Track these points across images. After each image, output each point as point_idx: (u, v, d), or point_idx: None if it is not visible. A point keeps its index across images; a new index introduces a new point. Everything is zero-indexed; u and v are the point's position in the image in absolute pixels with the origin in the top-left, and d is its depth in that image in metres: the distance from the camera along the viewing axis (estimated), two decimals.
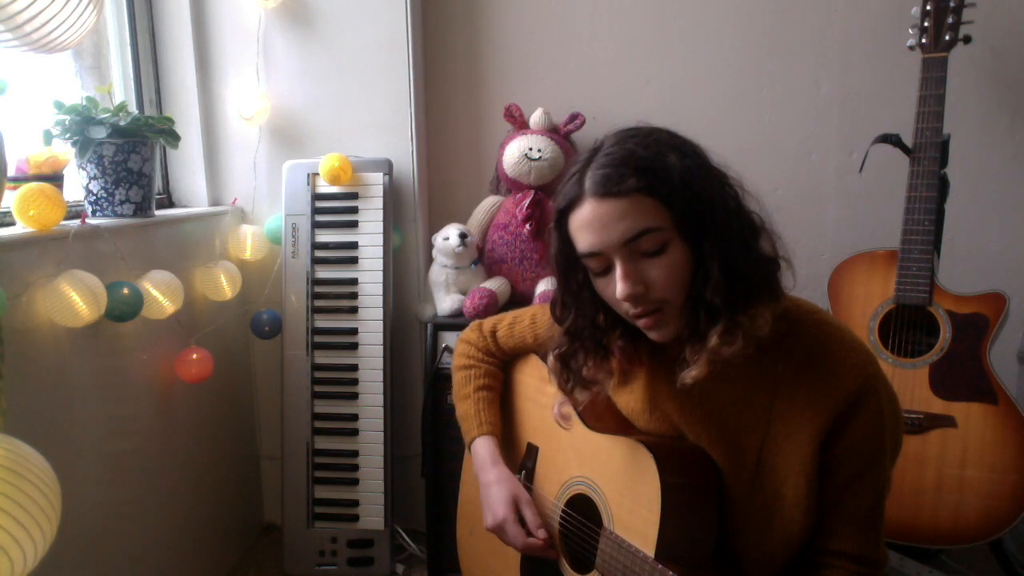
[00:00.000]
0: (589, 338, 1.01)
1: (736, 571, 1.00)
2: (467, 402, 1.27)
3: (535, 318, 1.26)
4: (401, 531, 2.01)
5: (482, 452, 1.22)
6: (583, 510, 1.09)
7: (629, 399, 1.10)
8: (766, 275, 0.90)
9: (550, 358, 1.07)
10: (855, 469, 0.92)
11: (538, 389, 1.25)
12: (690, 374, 0.90)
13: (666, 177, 0.86)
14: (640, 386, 1.07)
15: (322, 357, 1.89)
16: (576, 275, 0.97)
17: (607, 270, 0.91)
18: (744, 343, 0.87)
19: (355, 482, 1.88)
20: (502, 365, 1.32)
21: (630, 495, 0.98)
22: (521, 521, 1.12)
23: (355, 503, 1.88)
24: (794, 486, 0.93)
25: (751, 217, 0.91)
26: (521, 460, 1.25)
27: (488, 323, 1.33)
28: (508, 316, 1.31)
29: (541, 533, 1.10)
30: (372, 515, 1.87)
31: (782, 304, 0.91)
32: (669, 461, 0.95)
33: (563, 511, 1.13)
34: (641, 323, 0.93)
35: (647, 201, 0.86)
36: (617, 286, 0.89)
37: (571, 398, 1.07)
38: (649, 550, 0.92)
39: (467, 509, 1.37)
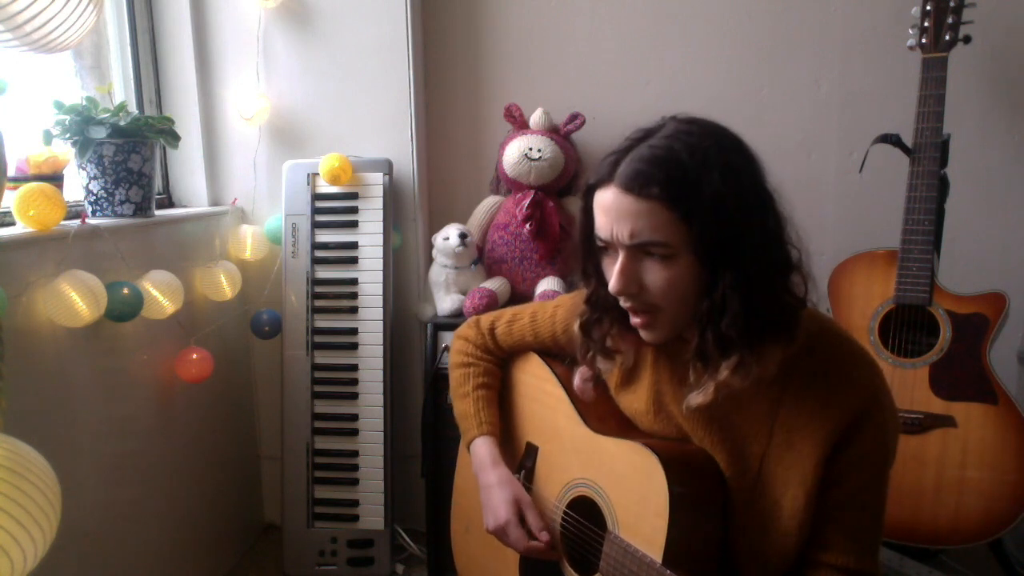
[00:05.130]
0: (613, 307, 0.98)
1: None
2: (466, 401, 1.26)
3: (535, 316, 1.24)
4: (401, 531, 2.01)
5: (482, 452, 1.21)
6: (585, 513, 1.08)
7: (632, 400, 1.09)
8: (786, 318, 0.88)
9: (574, 327, 1.06)
10: (859, 482, 0.91)
11: (538, 388, 1.24)
12: (696, 399, 0.90)
13: (695, 195, 0.82)
14: (644, 387, 1.07)
15: (322, 357, 1.89)
16: (594, 247, 0.96)
17: (612, 253, 0.91)
18: (752, 379, 0.87)
19: (355, 482, 1.87)
20: (500, 363, 1.31)
21: (637, 500, 0.98)
22: (522, 523, 1.12)
23: (355, 503, 1.88)
24: (793, 497, 0.92)
25: (786, 252, 0.89)
26: (520, 459, 1.25)
27: (486, 320, 1.31)
28: (507, 313, 1.29)
29: (544, 536, 1.09)
30: (372, 515, 1.87)
31: (795, 346, 0.89)
32: (677, 468, 0.94)
33: (565, 512, 1.12)
34: (633, 320, 0.94)
35: (665, 213, 0.83)
36: (612, 278, 0.89)
37: (591, 368, 1.07)
38: (656, 557, 0.92)
39: (462, 507, 1.36)
